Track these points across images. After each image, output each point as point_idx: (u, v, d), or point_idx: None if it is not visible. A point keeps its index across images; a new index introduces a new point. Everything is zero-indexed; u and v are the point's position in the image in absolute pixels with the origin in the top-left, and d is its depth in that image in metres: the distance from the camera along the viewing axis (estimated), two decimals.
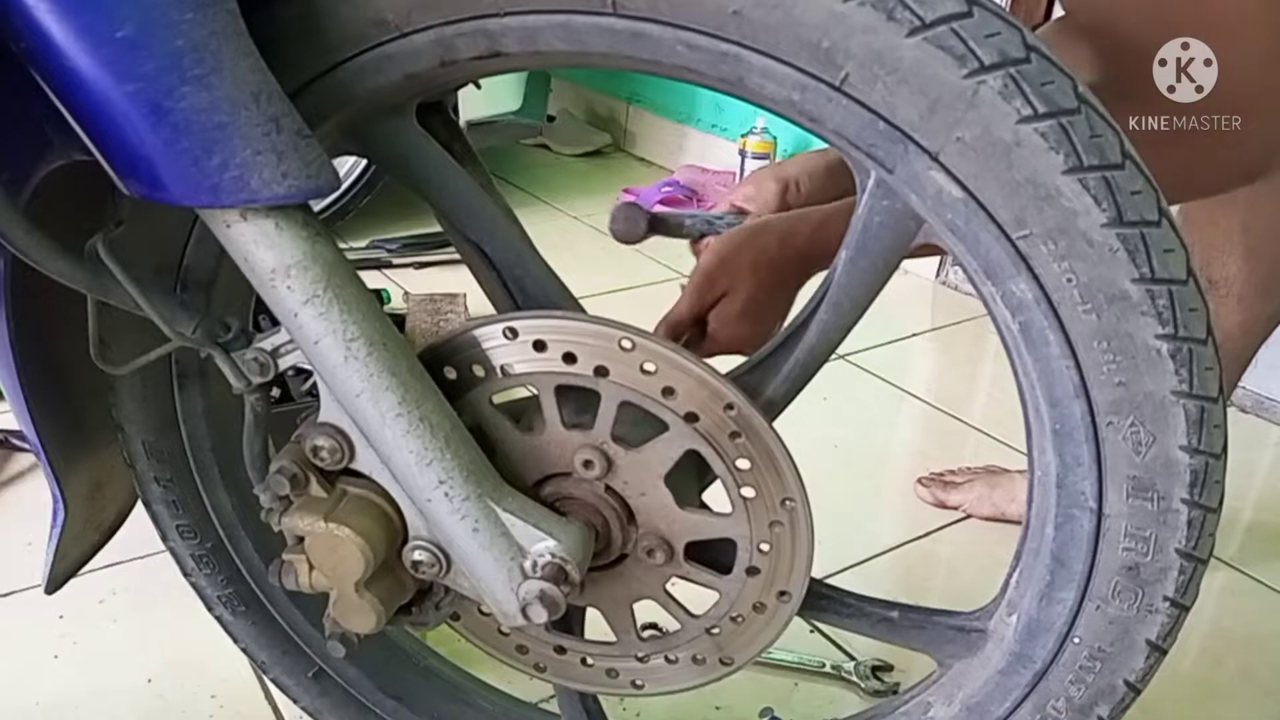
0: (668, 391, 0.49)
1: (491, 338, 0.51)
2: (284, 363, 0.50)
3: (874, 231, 0.46)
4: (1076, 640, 0.49)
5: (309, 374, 0.49)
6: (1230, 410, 1.39)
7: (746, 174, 2.07)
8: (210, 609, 0.68)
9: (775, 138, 2.06)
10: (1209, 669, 0.96)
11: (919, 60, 0.39)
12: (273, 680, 0.71)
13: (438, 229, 0.62)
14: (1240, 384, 1.40)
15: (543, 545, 0.49)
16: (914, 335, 1.65)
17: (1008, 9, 1.68)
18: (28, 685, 0.86)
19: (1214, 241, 0.96)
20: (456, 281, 1.57)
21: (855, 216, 0.47)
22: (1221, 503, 0.45)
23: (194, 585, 0.67)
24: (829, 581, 0.59)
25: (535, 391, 0.52)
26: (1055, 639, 0.50)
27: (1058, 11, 1.63)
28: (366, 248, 1.80)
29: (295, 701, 0.72)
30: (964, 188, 0.41)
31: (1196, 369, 0.42)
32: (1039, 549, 0.49)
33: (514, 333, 0.50)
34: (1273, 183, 0.93)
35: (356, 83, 0.48)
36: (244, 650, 0.69)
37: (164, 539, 0.65)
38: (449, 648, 0.74)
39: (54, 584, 0.63)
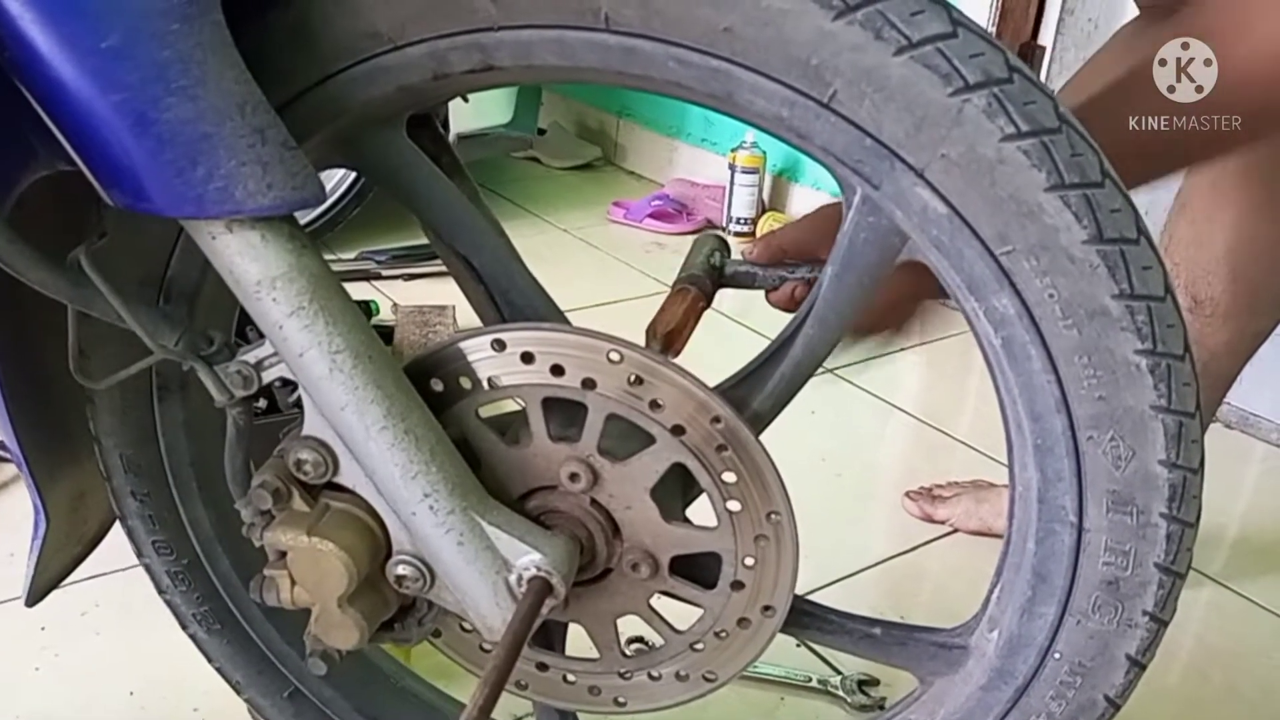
0: (655, 404, 0.49)
1: (478, 350, 0.51)
2: (268, 376, 0.50)
3: (859, 247, 0.47)
4: (1057, 655, 0.49)
5: (296, 385, 0.49)
6: (1215, 426, 1.41)
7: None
8: (185, 627, 0.67)
9: (764, 152, 2.08)
10: (1195, 685, 0.96)
11: (906, 79, 0.40)
12: (247, 700, 0.69)
13: (427, 241, 0.62)
14: (1226, 400, 1.42)
15: (528, 559, 0.49)
16: (901, 349, 1.66)
17: (993, 31, 1.70)
18: (8, 698, 0.85)
19: (1200, 262, 0.97)
20: (445, 294, 1.57)
21: (841, 233, 0.47)
22: (1199, 518, 0.46)
23: (168, 603, 0.66)
24: (815, 596, 0.59)
25: (522, 404, 0.52)
26: (1036, 654, 0.50)
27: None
28: (355, 259, 1.79)
29: None
30: (948, 204, 0.42)
31: (1175, 384, 0.42)
32: (1020, 564, 0.49)
33: (501, 345, 0.50)
34: (1258, 203, 0.94)
35: (348, 95, 0.48)
36: (218, 670, 0.68)
37: (139, 555, 0.64)
38: (426, 663, 0.74)
39: (35, 596, 0.62)
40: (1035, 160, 0.40)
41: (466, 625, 0.57)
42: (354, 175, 1.77)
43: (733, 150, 2.09)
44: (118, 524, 0.65)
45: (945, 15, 0.40)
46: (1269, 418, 1.42)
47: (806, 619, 0.58)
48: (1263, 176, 0.91)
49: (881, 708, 0.88)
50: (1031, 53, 1.72)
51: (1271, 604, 1.07)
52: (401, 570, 0.51)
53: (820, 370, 0.51)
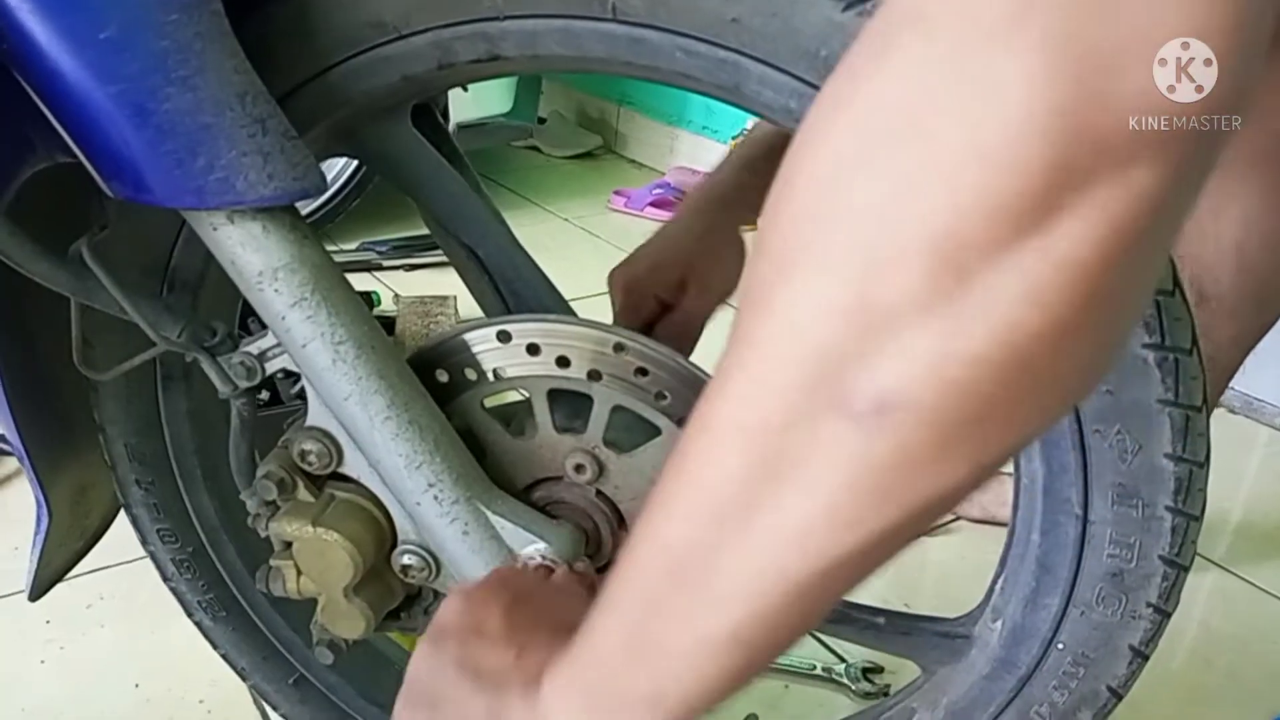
0: (660, 395, 0.49)
1: (484, 341, 0.50)
2: (271, 366, 0.50)
3: None
4: (1061, 646, 0.49)
5: (299, 377, 0.49)
6: (1220, 411, 1.40)
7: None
8: (190, 614, 0.67)
9: None
10: (1198, 670, 0.96)
11: None
12: (252, 687, 0.70)
13: (428, 231, 0.62)
14: (1230, 386, 1.41)
15: (533, 548, 0.49)
16: None
17: None
18: (14, 691, 0.85)
19: (1207, 257, 0.96)
20: (447, 284, 1.56)
21: None
22: (1204, 510, 0.46)
23: (173, 590, 0.66)
24: None
25: (527, 395, 0.51)
26: (1040, 644, 0.50)
27: None
28: (356, 249, 1.79)
29: (275, 709, 0.71)
30: None
31: (1182, 378, 0.42)
32: (1024, 555, 0.49)
33: (507, 336, 0.50)
34: (1266, 198, 0.93)
35: (352, 84, 0.47)
36: (223, 657, 0.68)
37: (144, 543, 0.64)
38: None
39: (38, 590, 0.62)
40: None
41: None
42: (355, 165, 1.76)
43: (734, 138, 2.08)
44: (121, 517, 0.65)
45: None
46: (1273, 402, 1.42)
47: None
48: (1270, 172, 0.90)
49: (886, 695, 0.89)
50: None
51: (1276, 589, 1.07)
52: (407, 560, 0.51)
53: None
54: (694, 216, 0.69)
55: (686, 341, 0.65)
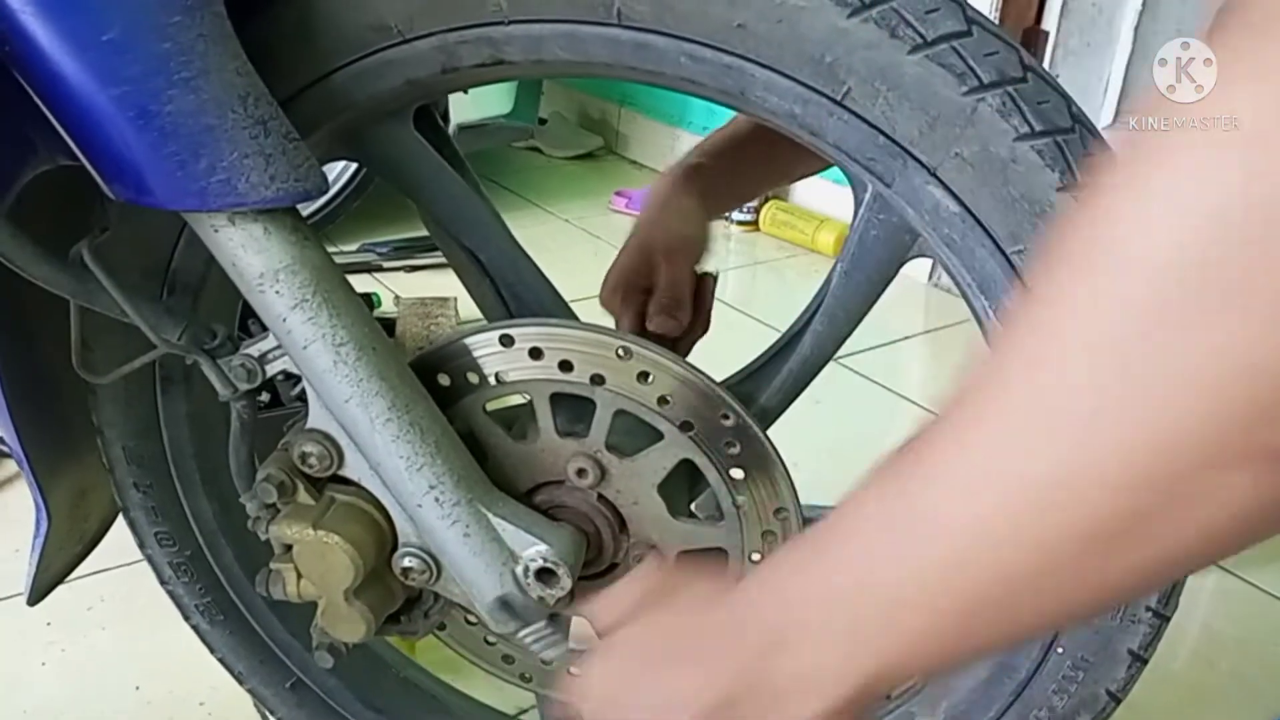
0: (663, 400, 0.49)
1: (486, 345, 0.50)
2: (272, 369, 0.49)
3: (869, 245, 0.46)
4: (1060, 650, 0.49)
5: (298, 379, 0.49)
6: None
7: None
8: (187, 618, 0.67)
9: None
10: (1200, 672, 0.96)
11: (920, 77, 0.40)
12: (250, 691, 0.70)
13: (428, 232, 0.62)
14: None
15: (534, 550, 0.49)
16: (907, 338, 1.66)
17: (996, 17, 1.68)
18: (15, 693, 0.85)
19: None
20: (447, 285, 1.56)
21: (852, 229, 0.47)
22: None
23: (171, 594, 0.66)
24: None
25: (529, 399, 0.51)
26: (1039, 649, 0.50)
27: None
28: (356, 251, 1.78)
29: (272, 712, 0.71)
30: (960, 203, 0.42)
31: None
32: None
33: (510, 340, 0.50)
34: None
35: (355, 88, 0.47)
36: (221, 660, 0.68)
37: (141, 546, 0.64)
38: (432, 657, 0.74)
39: (37, 594, 0.62)
40: (1048, 160, 0.40)
41: (471, 618, 0.57)
42: (354, 166, 1.76)
43: None
44: (119, 520, 0.65)
45: (960, 13, 0.40)
46: None
47: None
48: None
49: (888, 697, 0.89)
50: (1035, 38, 1.71)
51: (1278, 590, 1.07)
52: (408, 562, 0.51)
53: None
54: (649, 202, 0.70)
55: (680, 313, 0.65)
